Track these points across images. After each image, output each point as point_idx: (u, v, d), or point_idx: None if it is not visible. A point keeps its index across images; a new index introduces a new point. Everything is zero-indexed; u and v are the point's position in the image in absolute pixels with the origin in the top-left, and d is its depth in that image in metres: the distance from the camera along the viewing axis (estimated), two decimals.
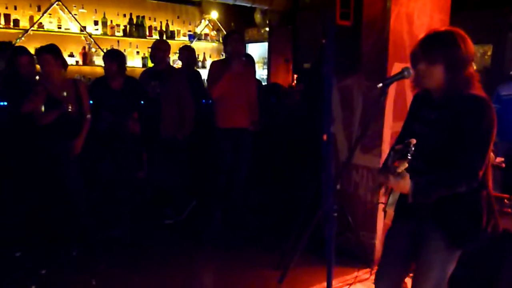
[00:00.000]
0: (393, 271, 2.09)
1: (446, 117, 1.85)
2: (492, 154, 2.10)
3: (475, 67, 1.92)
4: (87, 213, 3.86)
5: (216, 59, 5.84)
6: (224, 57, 4.52)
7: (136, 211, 4.33)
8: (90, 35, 5.70)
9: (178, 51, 5.23)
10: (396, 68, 3.28)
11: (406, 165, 1.68)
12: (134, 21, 6.08)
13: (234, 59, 4.09)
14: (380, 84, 1.75)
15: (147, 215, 4.47)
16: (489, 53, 5.53)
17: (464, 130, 1.78)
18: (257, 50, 7.22)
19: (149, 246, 3.89)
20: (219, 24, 6.97)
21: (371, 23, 3.38)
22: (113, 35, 5.89)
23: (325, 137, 2.92)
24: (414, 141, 1.66)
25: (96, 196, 4.07)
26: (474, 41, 1.88)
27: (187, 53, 5.09)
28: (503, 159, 3.33)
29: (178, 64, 6.54)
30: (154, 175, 4.56)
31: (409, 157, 1.66)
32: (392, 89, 3.34)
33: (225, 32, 6.75)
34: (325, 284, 2.41)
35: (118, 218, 4.10)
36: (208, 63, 6.79)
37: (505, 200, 3.01)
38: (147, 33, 6.21)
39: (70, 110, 3.57)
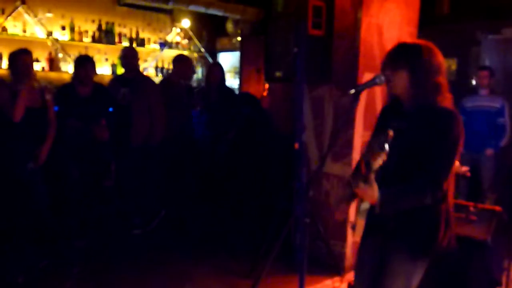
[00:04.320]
0: (366, 285, 2.10)
1: (414, 128, 1.87)
2: (457, 163, 2.14)
3: None
4: (52, 222, 3.71)
5: None
6: None
7: (103, 221, 4.20)
8: (57, 40, 5.55)
9: (172, 62, 4.86)
10: (366, 78, 3.33)
11: (384, 157, 1.61)
12: (103, 27, 5.96)
13: None
14: (353, 90, 1.76)
15: (115, 224, 4.34)
16: (453, 67, 5.71)
17: (430, 142, 1.80)
18: (229, 60, 7.22)
19: (116, 256, 3.77)
20: (191, 33, 6.94)
21: (343, 33, 3.43)
22: (81, 41, 5.75)
23: (296, 145, 2.93)
24: (391, 132, 1.61)
25: (61, 204, 3.92)
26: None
27: (184, 64, 4.79)
28: (468, 168, 3.42)
29: (148, 72, 6.46)
30: (123, 183, 4.45)
31: (387, 149, 1.59)
32: (362, 99, 3.39)
33: (196, 41, 6.75)
34: None
35: (83, 228, 3.96)
36: None
37: (471, 208, 3.09)
38: (117, 40, 6.10)
39: None
